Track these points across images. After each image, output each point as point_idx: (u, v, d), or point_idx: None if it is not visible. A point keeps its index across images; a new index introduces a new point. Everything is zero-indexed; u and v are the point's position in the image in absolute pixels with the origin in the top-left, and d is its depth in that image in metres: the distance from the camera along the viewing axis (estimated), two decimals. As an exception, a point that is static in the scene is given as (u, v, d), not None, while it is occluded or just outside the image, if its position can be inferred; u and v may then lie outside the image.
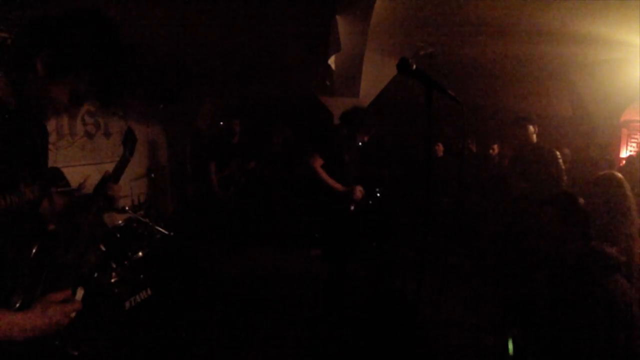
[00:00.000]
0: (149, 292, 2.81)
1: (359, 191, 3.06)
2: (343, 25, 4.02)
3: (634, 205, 2.29)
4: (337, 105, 5.69)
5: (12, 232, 1.00)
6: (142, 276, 2.85)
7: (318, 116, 6.16)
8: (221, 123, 5.33)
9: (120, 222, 3.25)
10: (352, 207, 3.07)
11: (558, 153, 3.63)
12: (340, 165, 3.09)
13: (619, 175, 2.41)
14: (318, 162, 3.01)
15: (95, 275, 2.50)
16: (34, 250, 1.05)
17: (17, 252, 1.02)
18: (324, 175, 2.99)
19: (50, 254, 1.09)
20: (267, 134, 6.05)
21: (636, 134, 7.67)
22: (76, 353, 1.19)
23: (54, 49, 0.96)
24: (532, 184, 3.54)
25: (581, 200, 2.14)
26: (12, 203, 0.96)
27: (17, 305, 0.99)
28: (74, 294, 1.08)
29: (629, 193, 2.32)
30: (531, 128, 3.69)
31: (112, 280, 2.64)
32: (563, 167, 3.62)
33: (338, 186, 3.01)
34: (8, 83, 0.98)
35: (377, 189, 3.38)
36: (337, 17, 3.87)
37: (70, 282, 1.10)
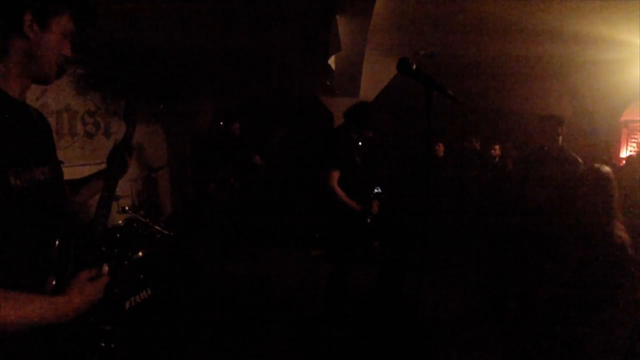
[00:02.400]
0: (149, 292, 2.81)
1: (375, 205, 3.08)
2: (343, 25, 4.01)
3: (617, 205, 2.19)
4: (337, 105, 5.69)
5: (34, 214, 1.01)
6: (142, 276, 2.85)
7: (318, 116, 6.16)
8: (221, 123, 5.31)
9: (120, 222, 3.26)
10: (369, 220, 3.08)
11: (580, 159, 3.43)
12: (352, 168, 3.09)
13: (607, 169, 2.29)
14: (336, 178, 2.96)
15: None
16: (59, 232, 1.06)
17: (43, 235, 1.04)
18: (343, 195, 2.96)
19: (74, 235, 1.12)
20: (267, 133, 6.03)
21: (636, 134, 7.68)
22: (109, 328, 1.21)
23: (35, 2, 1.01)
24: (549, 190, 3.33)
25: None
26: (24, 183, 0.97)
27: (52, 288, 1.01)
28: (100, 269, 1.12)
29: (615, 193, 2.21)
30: (559, 129, 3.47)
31: (112, 280, 2.63)
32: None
33: (356, 206, 2.99)
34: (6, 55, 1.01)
35: (378, 189, 3.37)
36: (337, 17, 3.87)
37: (95, 259, 1.13)
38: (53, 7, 1.04)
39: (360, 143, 3.15)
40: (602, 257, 2.00)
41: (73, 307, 0.97)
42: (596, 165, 2.34)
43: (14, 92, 1.03)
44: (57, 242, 1.05)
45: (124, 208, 3.45)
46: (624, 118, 6.65)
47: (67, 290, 0.99)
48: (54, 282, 1.02)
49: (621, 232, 2.07)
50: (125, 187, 4.83)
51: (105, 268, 1.11)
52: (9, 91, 1.02)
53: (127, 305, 2.61)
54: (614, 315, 1.92)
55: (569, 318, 2.10)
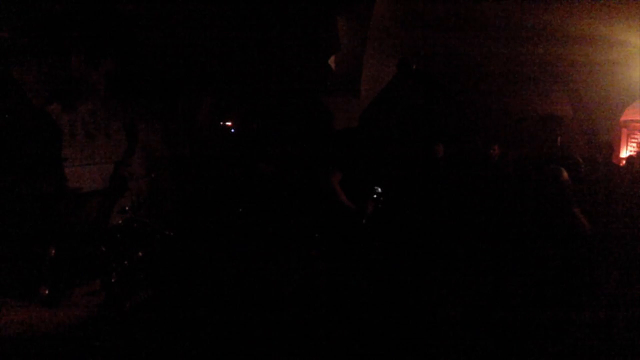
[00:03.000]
0: (149, 292, 2.81)
1: (370, 206, 3.10)
2: (343, 25, 4.02)
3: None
4: (337, 105, 5.69)
5: (34, 221, 1.02)
6: (142, 276, 2.85)
7: (318, 116, 6.16)
8: (228, 124, 5.33)
9: (120, 222, 3.26)
10: (364, 221, 3.09)
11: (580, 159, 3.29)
12: (354, 168, 3.10)
13: (565, 174, 2.38)
14: (337, 179, 2.99)
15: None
16: (55, 241, 1.06)
17: (39, 244, 1.03)
18: (341, 195, 3.00)
19: (70, 245, 1.12)
20: (274, 142, 6.05)
21: (636, 134, 7.68)
22: (97, 344, 1.21)
23: (91, 36, 1.06)
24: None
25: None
26: (31, 194, 0.98)
27: (45, 297, 1.01)
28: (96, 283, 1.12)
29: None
30: (558, 129, 3.49)
31: (112, 280, 2.63)
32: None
33: (352, 206, 3.02)
34: (44, 69, 1.04)
35: (378, 189, 3.38)
36: (337, 17, 3.88)
37: (92, 273, 1.14)
38: (105, 49, 1.10)
39: (361, 144, 3.16)
40: (572, 244, 2.07)
41: (69, 322, 0.98)
42: (552, 166, 2.45)
43: (38, 104, 1.06)
44: (52, 251, 1.04)
45: (124, 208, 3.45)
46: (624, 118, 6.66)
47: (60, 304, 0.99)
48: (46, 292, 1.01)
49: (584, 220, 2.22)
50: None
51: (99, 283, 1.11)
52: (36, 103, 1.05)
53: (127, 305, 2.61)
54: (605, 314, 1.94)
55: (559, 317, 2.13)
